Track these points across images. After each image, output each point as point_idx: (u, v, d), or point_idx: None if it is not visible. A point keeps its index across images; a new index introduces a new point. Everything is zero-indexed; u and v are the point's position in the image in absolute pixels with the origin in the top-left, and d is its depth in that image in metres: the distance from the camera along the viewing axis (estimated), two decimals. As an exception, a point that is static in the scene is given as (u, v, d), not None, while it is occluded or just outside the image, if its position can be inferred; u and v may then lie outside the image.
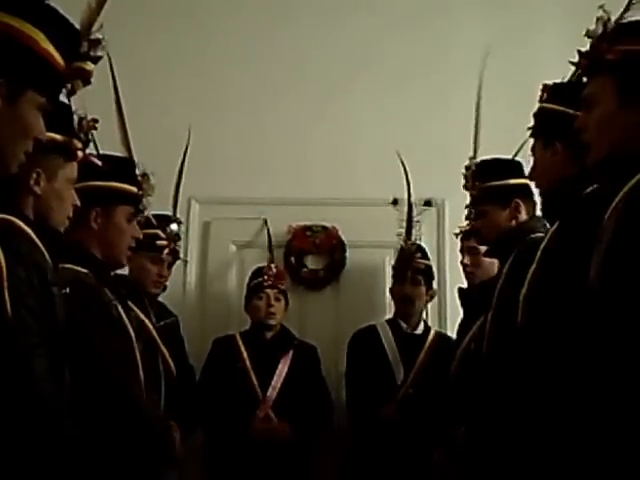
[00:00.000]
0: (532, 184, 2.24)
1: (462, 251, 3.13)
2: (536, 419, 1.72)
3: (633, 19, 1.50)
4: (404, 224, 3.46)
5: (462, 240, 3.14)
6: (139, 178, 2.46)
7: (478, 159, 2.77)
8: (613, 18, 1.49)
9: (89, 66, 1.49)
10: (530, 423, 1.77)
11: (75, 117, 1.85)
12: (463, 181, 2.71)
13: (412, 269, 3.34)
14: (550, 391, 1.64)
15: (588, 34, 1.50)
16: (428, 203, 3.52)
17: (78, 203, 1.84)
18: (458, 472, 2.81)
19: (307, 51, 3.87)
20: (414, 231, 3.47)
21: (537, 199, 2.29)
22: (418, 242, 3.46)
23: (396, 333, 3.33)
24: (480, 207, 2.54)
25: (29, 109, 1.42)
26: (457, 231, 3.20)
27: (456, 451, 2.77)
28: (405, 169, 3.45)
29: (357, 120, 3.82)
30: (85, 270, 2.06)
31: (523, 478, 1.79)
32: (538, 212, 2.33)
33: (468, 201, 3.11)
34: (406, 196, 3.49)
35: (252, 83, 3.85)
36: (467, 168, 2.73)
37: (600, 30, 1.48)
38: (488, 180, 2.51)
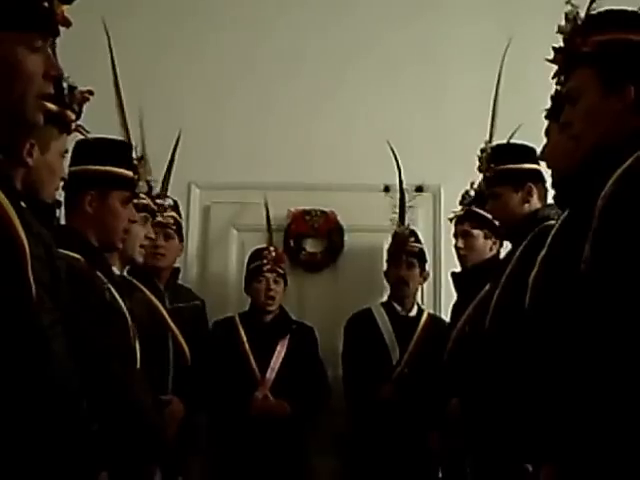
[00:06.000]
0: (544, 169, 2.24)
1: (456, 235, 3.17)
2: (536, 393, 1.76)
3: (602, 9, 1.50)
4: (397, 209, 3.52)
5: (456, 224, 3.18)
6: (135, 162, 2.40)
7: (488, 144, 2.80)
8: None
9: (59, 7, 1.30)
10: (529, 397, 1.81)
11: (65, 85, 1.74)
12: (477, 163, 2.74)
13: (407, 252, 3.41)
14: (549, 370, 1.69)
15: (560, 30, 1.51)
16: (420, 189, 3.57)
17: (66, 176, 1.77)
18: (453, 451, 2.89)
19: (307, 39, 3.89)
20: (407, 216, 3.53)
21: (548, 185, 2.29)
22: (412, 227, 3.52)
23: (391, 315, 3.41)
24: (493, 189, 2.56)
25: (10, 48, 1.28)
26: (451, 216, 3.25)
27: (450, 431, 2.84)
28: (395, 156, 3.51)
29: (356, 107, 3.86)
30: (77, 255, 1.97)
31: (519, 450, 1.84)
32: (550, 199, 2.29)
33: (463, 187, 3.18)
34: (398, 182, 3.54)
35: (251, 69, 3.88)
36: (482, 151, 2.75)
37: (571, 25, 1.49)
38: (503, 163, 2.54)
